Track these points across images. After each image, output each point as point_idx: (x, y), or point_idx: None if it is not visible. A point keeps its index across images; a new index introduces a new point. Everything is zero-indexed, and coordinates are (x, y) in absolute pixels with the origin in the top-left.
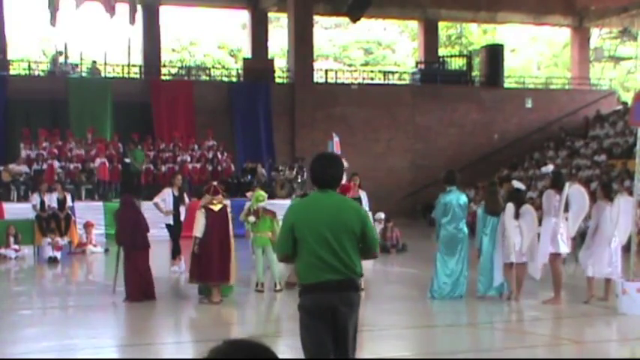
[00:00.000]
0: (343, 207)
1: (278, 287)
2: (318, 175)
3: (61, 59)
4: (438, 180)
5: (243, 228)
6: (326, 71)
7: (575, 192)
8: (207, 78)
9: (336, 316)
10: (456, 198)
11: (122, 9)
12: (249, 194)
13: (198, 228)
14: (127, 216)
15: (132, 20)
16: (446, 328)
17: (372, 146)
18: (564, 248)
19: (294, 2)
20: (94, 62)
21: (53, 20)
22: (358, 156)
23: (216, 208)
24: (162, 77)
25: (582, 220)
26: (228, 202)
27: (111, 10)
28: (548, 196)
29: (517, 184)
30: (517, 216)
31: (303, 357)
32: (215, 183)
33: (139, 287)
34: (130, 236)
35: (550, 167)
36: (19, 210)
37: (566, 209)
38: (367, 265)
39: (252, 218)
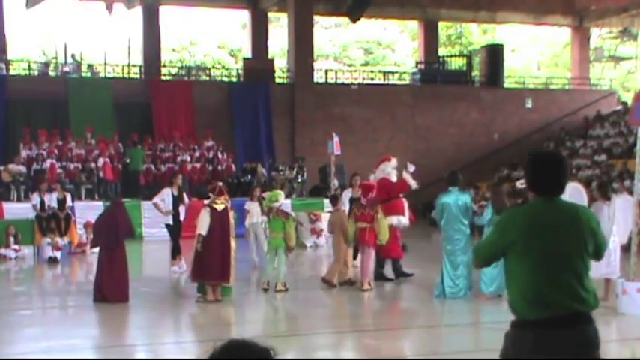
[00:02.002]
0: (576, 220)
1: (279, 287)
2: (547, 180)
3: (60, 59)
4: (438, 180)
5: (243, 228)
6: (326, 71)
7: (573, 190)
8: (207, 78)
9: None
10: (455, 199)
11: (120, 6)
12: (265, 194)
13: (203, 226)
14: (114, 214)
15: (130, 6)
16: (447, 328)
17: (372, 146)
18: None
19: (294, 2)
20: (80, 61)
21: (30, 4)
22: (358, 156)
23: (220, 207)
24: (162, 77)
25: None
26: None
27: (110, 8)
28: None
29: (521, 184)
30: None
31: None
32: (220, 184)
33: (113, 287)
34: (107, 237)
35: None
36: (19, 210)
37: None
38: None
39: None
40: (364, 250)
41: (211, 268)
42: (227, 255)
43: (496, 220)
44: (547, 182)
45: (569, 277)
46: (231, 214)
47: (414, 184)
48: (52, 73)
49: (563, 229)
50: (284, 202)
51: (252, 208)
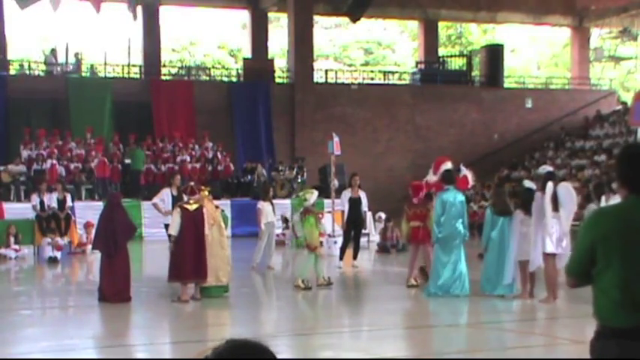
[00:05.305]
0: None
1: (321, 282)
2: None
3: (61, 59)
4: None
5: (243, 227)
6: (326, 71)
7: (564, 190)
8: (207, 78)
9: None
10: (454, 196)
11: (122, 8)
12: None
13: (174, 226)
14: (111, 217)
15: (134, 17)
16: (446, 328)
17: (372, 146)
18: (550, 248)
19: (294, 2)
20: (80, 60)
21: (55, 5)
22: (358, 156)
23: (192, 207)
24: (162, 77)
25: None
26: (228, 202)
27: (97, 7)
28: (537, 199)
29: (528, 184)
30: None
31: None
32: (192, 183)
33: (113, 288)
34: (106, 243)
35: (547, 168)
36: (19, 210)
37: (557, 209)
38: (366, 265)
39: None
40: (417, 248)
41: (185, 267)
42: (201, 254)
43: (495, 220)
44: None
45: None
46: (218, 213)
47: (472, 179)
48: (52, 72)
49: None
50: (283, 203)
51: (266, 208)
